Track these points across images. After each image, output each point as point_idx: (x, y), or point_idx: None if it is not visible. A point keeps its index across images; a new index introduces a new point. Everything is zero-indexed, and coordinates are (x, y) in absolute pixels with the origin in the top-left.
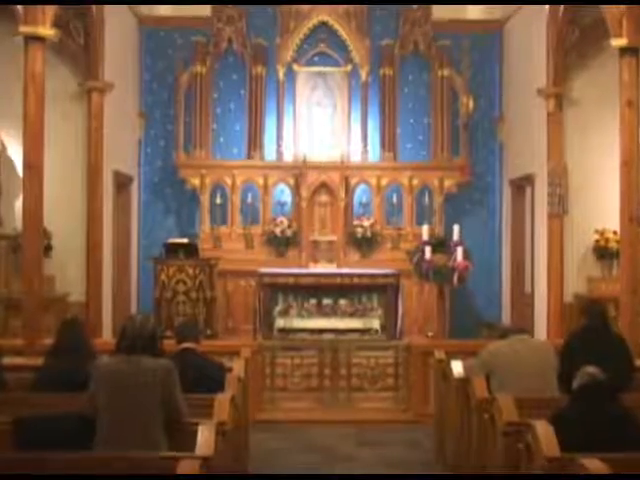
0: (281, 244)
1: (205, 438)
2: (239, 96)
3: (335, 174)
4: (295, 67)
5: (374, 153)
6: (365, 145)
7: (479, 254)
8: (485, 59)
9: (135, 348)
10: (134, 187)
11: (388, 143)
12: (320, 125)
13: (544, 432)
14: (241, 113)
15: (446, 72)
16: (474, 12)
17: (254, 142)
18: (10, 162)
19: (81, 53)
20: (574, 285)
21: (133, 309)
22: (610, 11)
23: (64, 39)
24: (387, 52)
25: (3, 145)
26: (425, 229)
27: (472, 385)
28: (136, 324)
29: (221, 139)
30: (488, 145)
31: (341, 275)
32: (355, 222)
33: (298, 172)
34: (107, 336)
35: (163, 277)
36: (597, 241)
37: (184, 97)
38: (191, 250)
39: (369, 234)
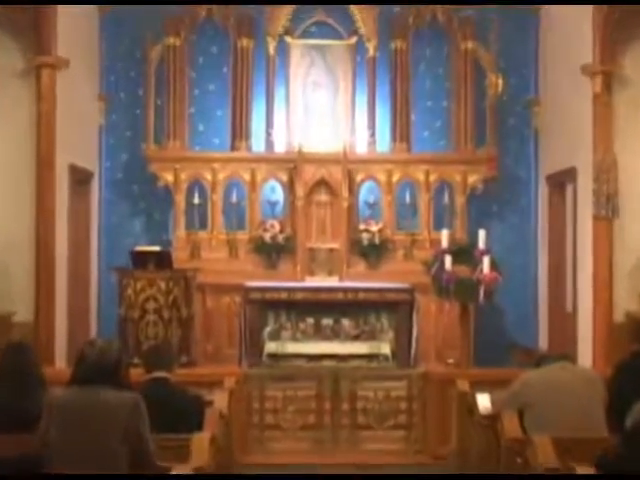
0: (272, 253)
1: None
2: (221, 74)
3: (336, 168)
4: (288, 39)
5: (383, 143)
6: (372, 134)
7: (510, 264)
8: (518, 30)
9: (95, 378)
10: (94, 184)
11: (400, 131)
12: (318, 109)
13: None
14: (223, 95)
15: (470, 45)
16: None
17: (239, 130)
18: None
19: (30, 25)
20: (625, 302)
21: (92, 331)
22: None
23: (10, 11)
24: (399, 22)
25: None
26: (445, 234)
27: (502, 422)
28: (96, 349)
29: (199, 126)
30: (521, 133)
31: (344, 290)
32: (361, 226)
33: (292, 166)
34: (60, 364)
35: (129, 292)
36: None
37: (154, 76)
38: (163, 260)
39: (377, 241)
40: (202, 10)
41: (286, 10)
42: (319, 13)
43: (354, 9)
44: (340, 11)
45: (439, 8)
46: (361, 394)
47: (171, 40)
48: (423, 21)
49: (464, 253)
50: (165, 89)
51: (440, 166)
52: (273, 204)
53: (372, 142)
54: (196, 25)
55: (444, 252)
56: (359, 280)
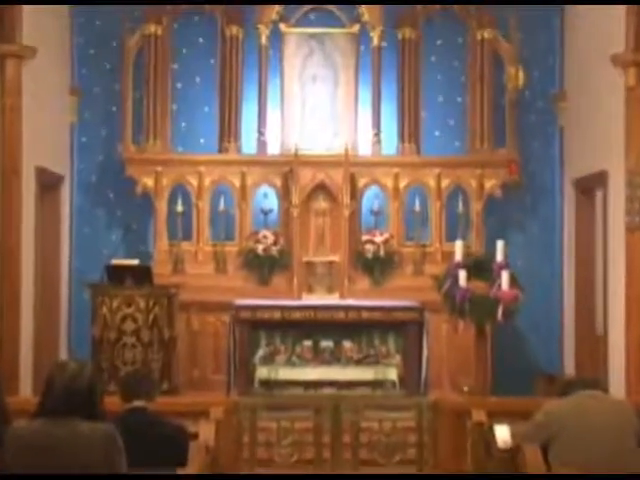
0: (264, 267)
1: None
2: (207, 67)
3: (337, 172)
4: (283, 27)
5: (390, 144)
6: (377, 133)
7: (532, 280)
8: (541, 17)
9: (65, 407)
10: (65, 189)
11: (409, 130)
12: (317, 106)
13: None
14: (210, 90)
15: (488, 34)
16: None
17: (228, 129)
18: None
19: None
20: None
21: (62, 355)
22: None
23: None
24: (408, 8)
25: None
26: (459, 246)
27: (523, 457)
28: (66, 375)
29: (183, 125)
30: (544, 132)
31: (345, 308)
32: (364, 237)
33: (287, 170)
34: (26, 391)
35: (104, 311)
36: None
37: (132, 68)
38: (142, 275)
39: (383, 253)
40: None
41: None
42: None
43: None
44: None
45: None
46: (365, 426)
47: (151, 28)
48: (434, 7)
49: (480, 267)
50: (145, 83)
51: (453, 170)
52: (266, 212)
53: (377, 143)
54: (179, 11)
55: (458, 266)
56: (362, 298)
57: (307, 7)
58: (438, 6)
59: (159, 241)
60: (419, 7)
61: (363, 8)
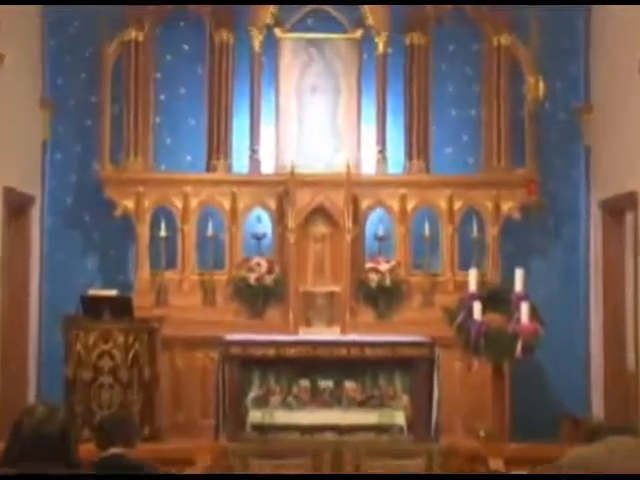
0: (257, 298)
1: None
2: (194, 76)
3: (338, 193)
4: (278, 33)
5: (396, 162)
6: (382, 150)
7: (555, 312)
8: (564, 21)
9: (35, 455)
10: (35, 212)
11: (417, 147)
12: (315, 119)
13: None
14: (197, 101)
15: (505, 40)
16: None
17: (217, 145)
18: None
19: None
20: None
21: (31, 397)
22: None
23: None
24: (417, 11)
25: None
26: (473, 275)
27: None
28: (35, 419)
29: (167, 140)
30: (568, 149)
31: (347, 344)
32: (368, 265)
33: (282, 190)
34: None
35: (79, 347)
36: None
37: (111, 77)
38: (122, 307)
39: (388, 283)
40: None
41: None
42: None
43: None
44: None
45: None
46: (370, 474)
47: (132, 33)
48: (446, 10)
49: (497, 298)
50: (124, 94)
51: (467, 190)
52: (259, 238)
53: (382, 160)
54: (163, 14)
55: (472, 297)
56: (366, 332)
57: (305, 10)
58: (449, 8)
59: (140, 269)
60: (429, 9)
61: (367, 11)
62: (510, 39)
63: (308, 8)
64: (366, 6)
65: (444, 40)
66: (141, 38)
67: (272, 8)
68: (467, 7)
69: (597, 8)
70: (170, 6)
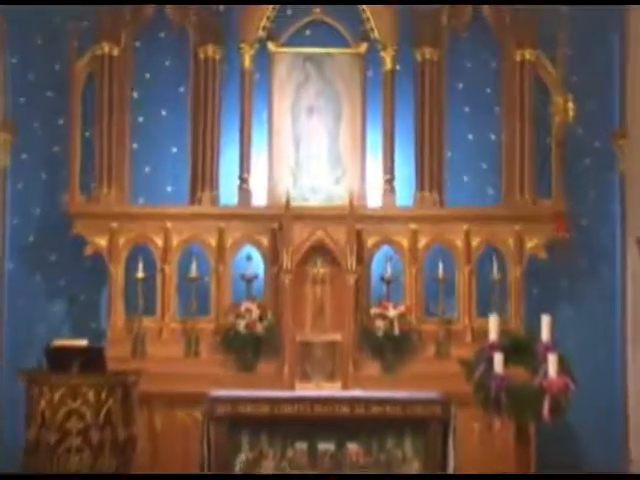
0: (247, 348)
1: None
2: (177, 96)
3: (339, 229)
4: (272, 47)
5: (406, 193)
6: (390, 179)
7: (588, 365)
8: (596, 35)
9: None
10: None
11: (430, 176)
12: (314, 145)
13: None
14: (180, 125)
15: (529, 55)
16: None
17: (202, 174)
18: None
19: None
20: None
21: None
22: None
23: None
24: (428, 22)
25: None
26: (493, 323)
27: None
28: None
29: (146, 169)
30: (601, 179)
31: (350, 401)
32: (374, 310)
33: (277, 225)
34: None
35: (43, 405)
36: None
37: (82, 97)
38: (93, 359)
39: (397, 331)
40: (150, 7)
41: (269, 7)
42: (315, 11)
43: (364, 6)
44: (345, 7)
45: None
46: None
47: (105, 48)
48: (462, 21)
49: (521, 349)
50: (97, 116)
51: (486, 225)
52: (249, 280)
53: (390, 191)
54: (141, 26)
55: (493, 348)
56: (371, 388)
57: (302, 21)
58: (466, 19)
59: (114, 316)
60: (442, 20)
61: (372, 22)
62: (535, 54)
63: (305, 19)
64: (372, 17)
65: (460, 55)
66: (116, 52)
67: (265, 21)
68: (486, 17)
69: (634, 20)
70: (149, 15)
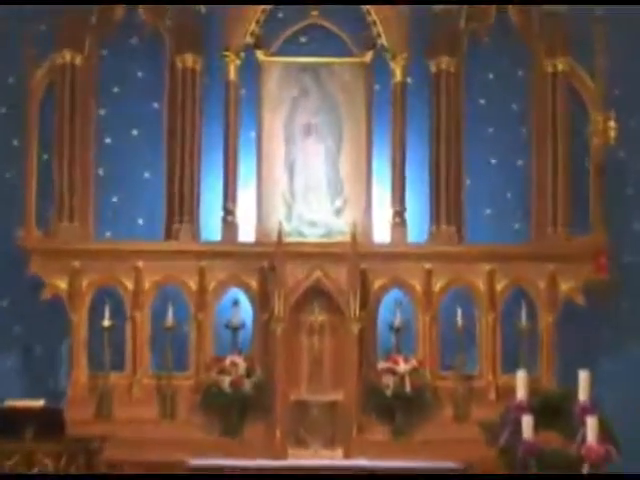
0: (232, 409)
1: None
2: (150, 113)
3: (341, 268)
4: (261, 56)
5: (418, 226)
6: (400, 211)
7: (632, 429)
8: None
9: None
10: None
11: (446, 207)
12: (311, 170)
13: None
14: (154, 147)
15: (562, 65)
16: None
17: (179, 204)
18: None
19: None
20: None
21: None
22: None
23: None
24: (444, 27)
25: None
26: (521, 379)
27: None
28: None
29: (114, 199)
30: None
31: (353, 471)
32: (381, 365)
33: (267, 265)
34: None
35: None
36: None
37: (39, 114)
38: (50, 422)
39: (409, 389)
40: (119, 8)
41: (257, 9)
42: (312, 14)
43: (370, 8)
44: (346, 10)
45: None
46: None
47: (67, 56)
48: (484, 24)
49: (554, 410)
50: (56, 136)
51: (512, 265)
52: (235, 328)
53: (399, 225)
54: (109, 31)
55: (520, 409)
56: (379, 456)
57: (298, 25)
58: (488, 23)
59: (76, 371)
60: (461, 24)
61: (379, 27)
62: (569, 63)
63: (301, 23)
64: (378, 21)
65: (481, 65)
66: (79, 61)
67: (253, 26)
68: (512, 21)
69: None
70: (118, 18)
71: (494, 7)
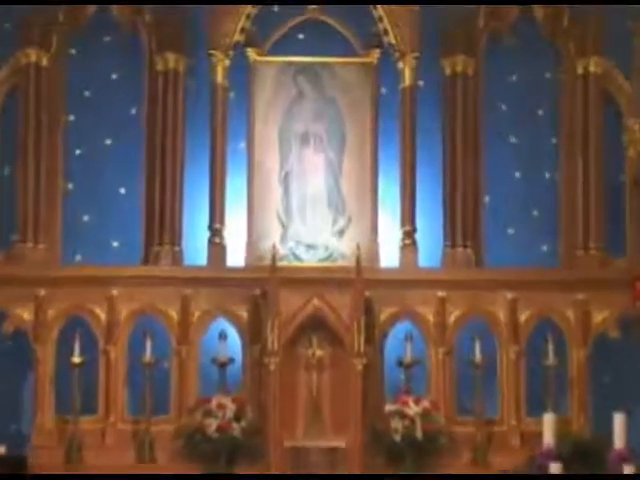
0: (220, 457)
1: None
2: (126, 119)
3: (343, 296)
4: (252, 55)
5: (431, 249)
6: (411, 231)
7: None
8: None
9: None
10: None
11: (463, 227)
12: (309, 185)
13: None
14: (131, 158)
15: (595, 66)
16: None
17: (159, 224)
18: None
19: None
20: None
21: None
22: None
23: None
24: (460, 25)
25: None
26: (549, 423)
27: None
28: None
29: (85, 218)
30: None
31: None
32: (389, 407)
33: (259, 292)
34: None
35: None
36: None
37: (0, 121)
38: (13, 469)
39: (421, 434)
40: (91, 6)
41: (247, 4)
42: (310, 9)
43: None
44: (349, 6)
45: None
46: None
47: (32, 56)
48: (505, 21)
49: (586, 458)
50: (20, 147)
51: (538, 293)
52: (223, 364)
53: (409, 247)
54: (79, 28)
55: (548, 456)
56: None
57: (294, 21)
58: (510, 20)
59: (41, 413)
60: (480, 21)
61: (386, 22)
62: (603, 64)
63: (297, 18)
64: (385, 16)
65: (502, 66)
66: (45, 62)
67: (243, 22)
68: (537, 18)
69: None
70: (89, 13)
71: (516, 10)
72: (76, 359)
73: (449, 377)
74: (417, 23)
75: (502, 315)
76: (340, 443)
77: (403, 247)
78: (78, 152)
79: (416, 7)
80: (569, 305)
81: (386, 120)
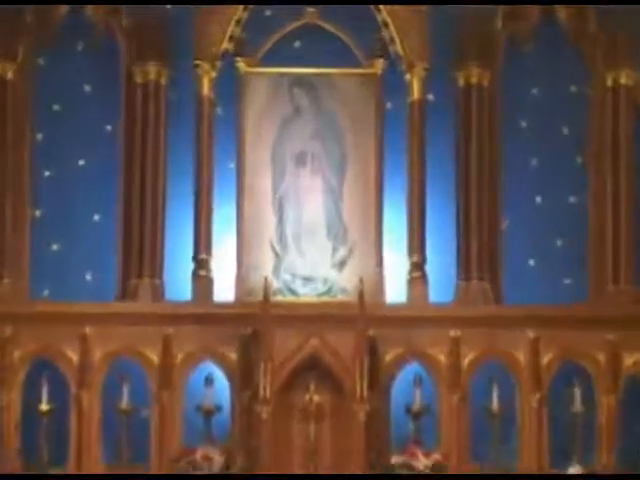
0: None
1: None
2: (101, 137)
3: (344, 336)
4: (242, 65)
5: (443, 283)
6: (420, 262)
7: None
8: None
9: None
10: None
11: (478, 259)
12: (306, 211)
13: None
14: (106, 181)
15: (626, 79)
16: None
17: (138, 255)
18: None
19: None
20: None
21: None
22: None
23: None
24: (475, 31)
25: None
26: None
27: None
28: None
29: (54, 247)
30: None
31: None
32: (395, 459)
33: (249, 331)
34: None
35: None
36: None
37: None
38: None
39: None
40: (62, 8)
41: (238, 8)
42: (307, 13)
43: (381, 7)
44: (352, 10)
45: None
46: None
47: None
48: (526, 28)
49: None
50: None
51: (563, 331)
52: (209, 413)
53: (419, 280)
54: (49, 35)
55: None
56: None
57: (290, 26)
58: (531, 26)
59: (5, 465)
60: (497, 24)
61: (392, 31)
62: (635, 76)
63: (293, 24)
64: (391, 22)
65: (522, 78)
66: (10, 74)
67: (232, 26)
68: (561, 23)
69: None
70: (60, 18)
71: (537, 7)
72: (44, 406)
73: (463, 426)
74: (427, 30)
75: (522, 357)
76: None
77: (411, 280)
78: (47, 174)
79: (424, 7)
80: (597, 346)
81: (392, 138)
